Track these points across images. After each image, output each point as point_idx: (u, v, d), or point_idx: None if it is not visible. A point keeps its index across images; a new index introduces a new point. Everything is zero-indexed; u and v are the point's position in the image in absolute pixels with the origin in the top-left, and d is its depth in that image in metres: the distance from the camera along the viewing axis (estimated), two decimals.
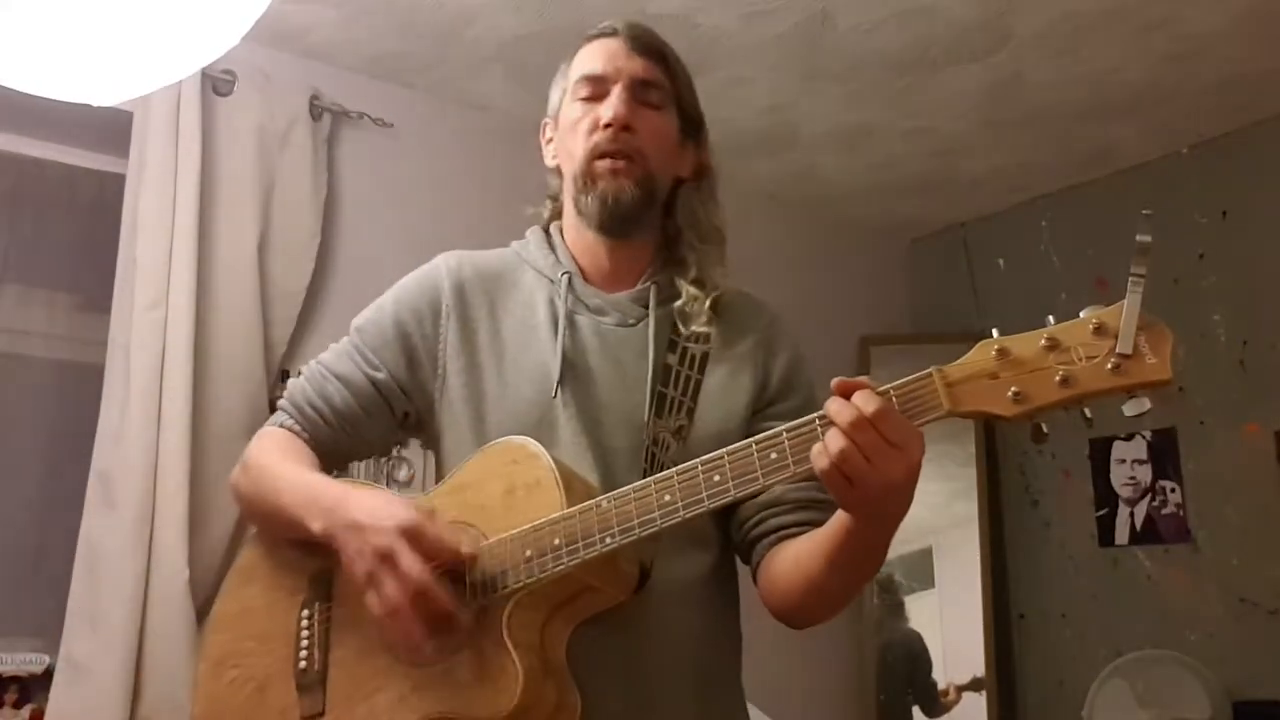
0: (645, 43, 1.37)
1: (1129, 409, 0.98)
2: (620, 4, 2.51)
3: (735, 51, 2.73)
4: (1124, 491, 3.18)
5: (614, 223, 1.30)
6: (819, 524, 1.19)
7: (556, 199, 1.41)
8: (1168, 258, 3.16)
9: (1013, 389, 0.98)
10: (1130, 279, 0.97)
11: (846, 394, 0.99)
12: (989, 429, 3.44)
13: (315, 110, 2.67)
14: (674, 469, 1.08)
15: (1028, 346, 0.98)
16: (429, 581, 1.07)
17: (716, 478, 1.05)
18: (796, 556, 1.18)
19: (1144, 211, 0.99)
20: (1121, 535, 3.17)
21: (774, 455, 1.03)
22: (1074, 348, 0.97)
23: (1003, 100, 2.96)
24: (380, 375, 1.31)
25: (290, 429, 1.32)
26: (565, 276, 1.32)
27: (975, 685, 3.24)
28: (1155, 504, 3.11)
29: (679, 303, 1.31)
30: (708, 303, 1.31)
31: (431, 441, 1.35)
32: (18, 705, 2.27)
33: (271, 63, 2.64)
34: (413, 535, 1.09)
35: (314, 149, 2.65)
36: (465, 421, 1.27)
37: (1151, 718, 2.77)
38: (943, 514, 3.45)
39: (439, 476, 1.31)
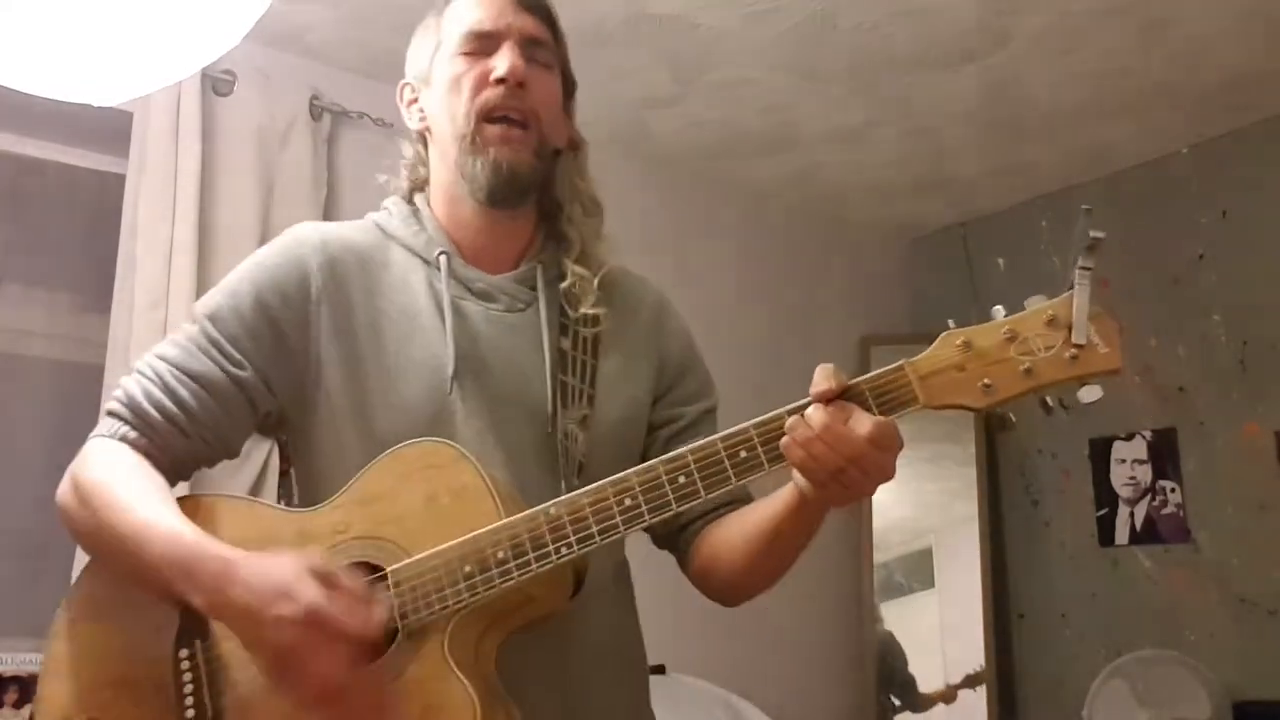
0: (533, 1, 1.24)
1: (1085, 395, 1.06)
2: (620, 4, 2.51)
3: (735, 51, 2.73)
4: (1124, 491, 3.18)
5: (506, 193, 1.19)
6: (743, 501, 1.20)
7: (416, 167, 1.29)
8: (1168, 258, 3.17)
9: (984, 381, 1.00)
10: (1077, 271, 0.99)
11: (826, 400, 1.00)
12: (989, 429, 3.44)
13: (315, 110, 2.67)
14: (630, 470, 1.04)
15: (989, 338, 1.00)
16: (342, 679, 0.95)
17: (682, 479, 1.02)
18: (741, 535, 1.17)
19: (1084, 207, 1.02)
20: (1121, 535, 3.17)
21: (744, 454, 1.01)
22: (1030, 338, 1.00)
23: (1003, 100, 2.96)
24: (244, 373, 1.15)
25: (134, 443, 1.12)
26: (444, 257, 1.19)
27: (972, 681, 3.23)
28: (1155, 504, 3.11)
29: (565, 283, 1.21)
30: (595, 281, 1.21)
31: (295, 439, 1.21)
32: (18, 705, 2.27)
33: (271, 63, 2.63)
34: (317, 631, 0.94)
35: (314, 149, 2.65)
36: (347, 419, 1.14)
37: (1151, 718, 2.77)
38: (943, 514, 3.45)
39: (297, 474, 1.21)
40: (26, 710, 2.26)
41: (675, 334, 1.30)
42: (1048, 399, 1.02)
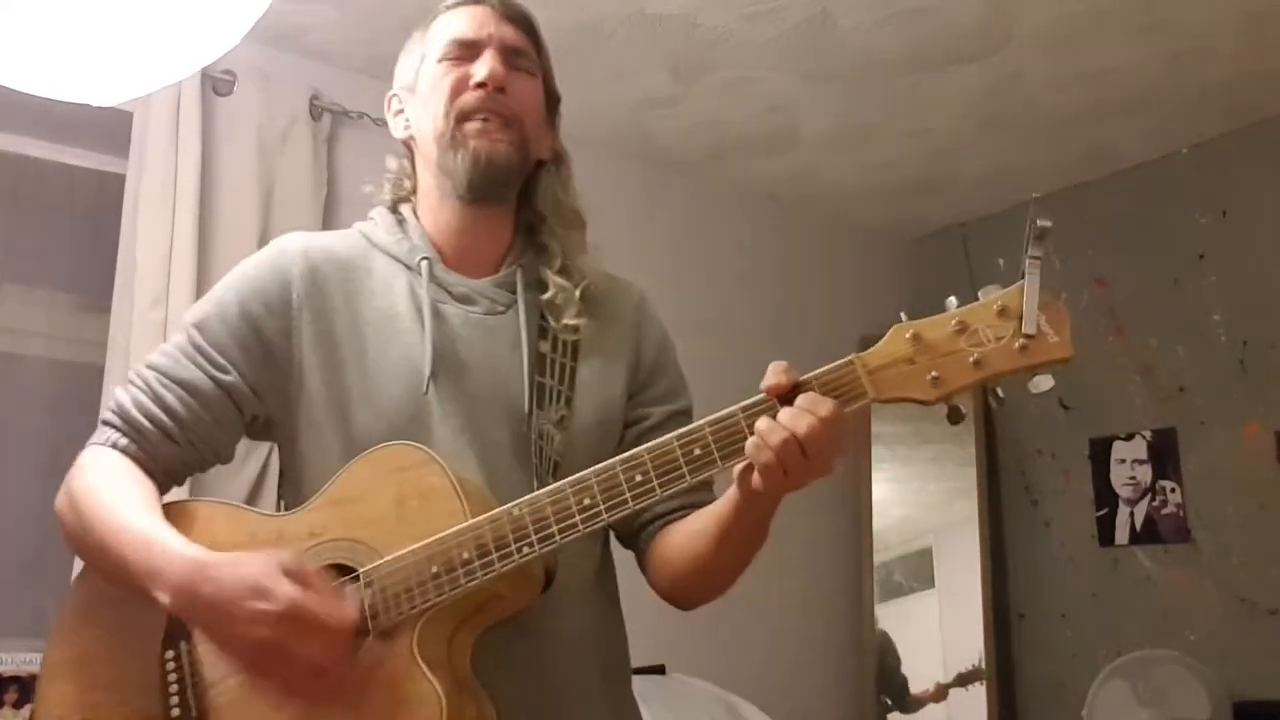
0: (515, 11, 1.29)
1: (1035, 385, 1.03)
2: (620, 4, 2.51)
3: (735, 51, 2.72)
4: (1124, 491, 3.18)
5: (484, 184, 1.21)
6: (704, 504, 1.19)
7: (400, 179, 1.32)
8: (1168, 258, 3.17)
9: (932, 373, 1.00)
10: (1027, 260, 1.00)
11: (778, 394, 1.01)
12: (989, 428, 3.44)
13: (315, 110, 2.67)
14: (589, 470, 1.05)
15: (939, 330, 1.01)
16: (327, 666, 0.99)
17: (639, 477, 1.03)
18: (687, 538, 1.17)
19: (1034, 195, 1.04)
20: (1121, 535, 3.17)
21: (698, 451, 1.02)
22: (980, 329, 1.00)
23: (1003, 100, 2.96)
24: (229, 377, 1.18)
25: (125, 450, 1.16)
26: (424, 262, 1.22)
27: (970, 677, 3.23)
28: (1155, 504, 3.11)
29: (548, 295, 1.23)
30: (578, 293, 1.24)
31: (283, 443, 1.23)
32: (18, 705, 2.27)
33: (271, 63, 2.63)
34: (294, 625, 0.98)
35: (314, 149, 2.65)
36: (328, 423, 1.17)
37: (1151, 718, 2.77)
38: (942, 514, 3.45)
39: (286, 478, 1.24)
40: (27, 710, 2.26)
41: (651, 336, 1.31)
42: (998, 391, 1.02)
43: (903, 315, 1.03)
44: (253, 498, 2.32)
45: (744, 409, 1.02)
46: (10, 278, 2.62)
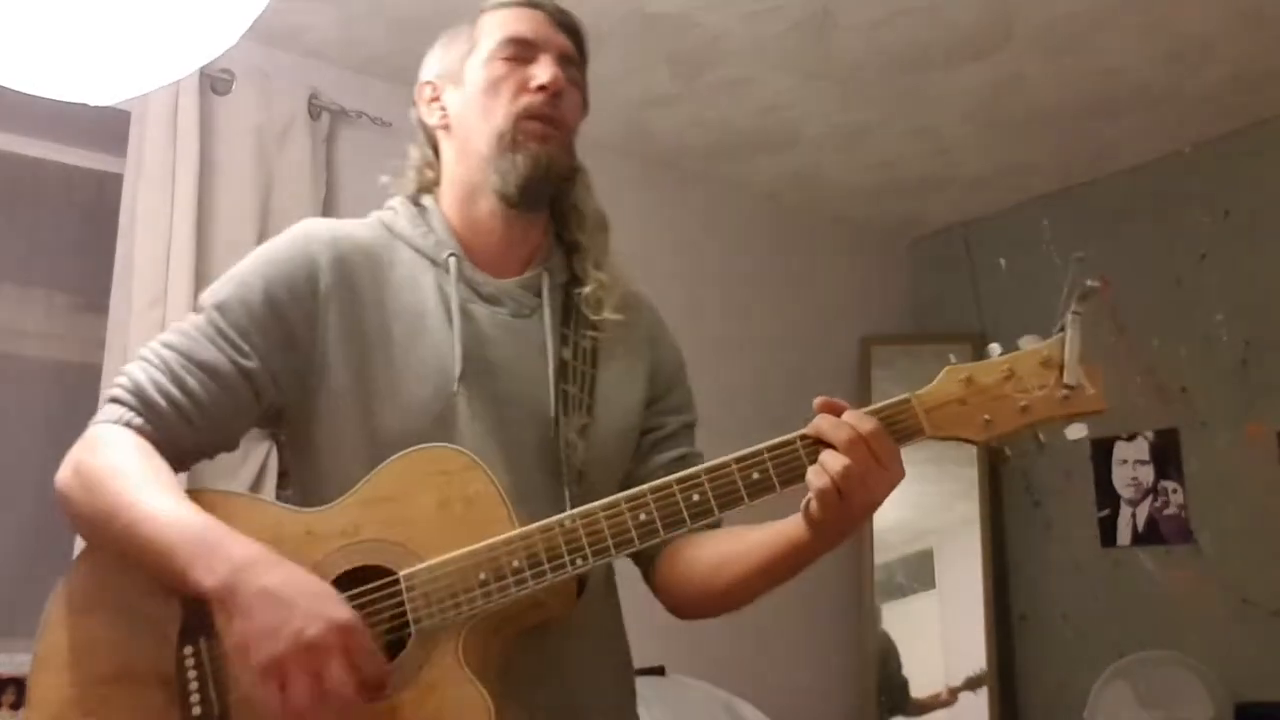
0: (569, 22, 1.29)
1: (1072, 433, 1.13)
2: (619, 2, 2.50)
3: (735, 51, 2.72)
4: (1126, 492, 3.18)
5: (540, 189, 1.21)
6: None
7: (423, 169, 1.29)
8: (1169, 258, 3.16)
9: (985, 416, 1.07)
10: (1070, 316, 1.07)
11: (833, 413, 1.04)
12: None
13: (314, 109, 2.67)
14: (644, 486, 1.05)
15: (989, 375, 1.08)
16: (353, 699, 0.94)
17: (695, 497, 1.04)
18: (723, 559, 1.16)
19: (1076, 255, 1.14)
20: (1123, 536, 3.17)
21: (756, 475, 1.04)
22: (1026, 377, 1.07)
23: (1003, 100, 2.95)
24: (250, 363, 1.13)
25: (139, 430, 1.09)
26: (452, 259, 1.20)
27: (973, 684, 3.23)
28: (1157, 505, 3.11)
29: (588, 289, 1.23)
30: (618, 290, 1.25)
31: (294, 435, 1.20)
32: (15, 706, 2.26)
33: (270, 62, 2.63)
34: (350, 640, 0.95)
35: (312, 148, 2.65)
36: (351, 417, 1.14)
37: (1153, 719, 2.76)
38: (944, 515, 3.44)
39: (294, 473, 1.21)
40: (25, 711, 2.26)
41: (669, 348, 1.33)
42: (1039, 434, 1.09)
43: (951, 357, 1.11)
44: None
45: (802, 436, 1.05)
46: (7, 277, 2.61)
